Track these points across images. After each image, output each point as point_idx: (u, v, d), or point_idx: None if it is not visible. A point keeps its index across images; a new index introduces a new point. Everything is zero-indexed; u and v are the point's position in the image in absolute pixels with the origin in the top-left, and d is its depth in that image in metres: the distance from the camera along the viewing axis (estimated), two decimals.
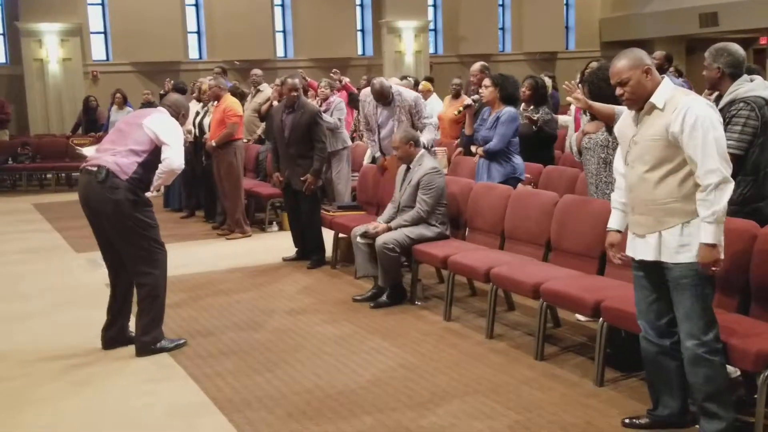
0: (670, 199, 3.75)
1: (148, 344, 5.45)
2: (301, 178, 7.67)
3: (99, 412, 4.58)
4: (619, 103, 5.28)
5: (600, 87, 5.34)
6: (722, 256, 3.73)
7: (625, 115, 4.06)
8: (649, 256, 3.87)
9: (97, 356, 5.51)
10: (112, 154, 5.30)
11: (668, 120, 3.71)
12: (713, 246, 3.64)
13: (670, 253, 3.78)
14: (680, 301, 3.80)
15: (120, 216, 5.22)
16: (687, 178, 3.71)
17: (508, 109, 6.83)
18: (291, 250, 8.43)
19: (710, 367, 3.76)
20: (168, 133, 5.37)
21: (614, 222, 4.18)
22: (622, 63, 3.86)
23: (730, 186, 3.65)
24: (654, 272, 3.91)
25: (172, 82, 13.00)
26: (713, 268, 3.68)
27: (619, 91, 3.88)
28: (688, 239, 3.72)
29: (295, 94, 7.76)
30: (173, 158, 5.33)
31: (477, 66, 8.64)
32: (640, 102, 3.84)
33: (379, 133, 8.09)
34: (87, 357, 5.51)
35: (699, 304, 3.75)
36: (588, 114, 5.66)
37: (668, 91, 3.80)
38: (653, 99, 3.79)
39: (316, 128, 7.78)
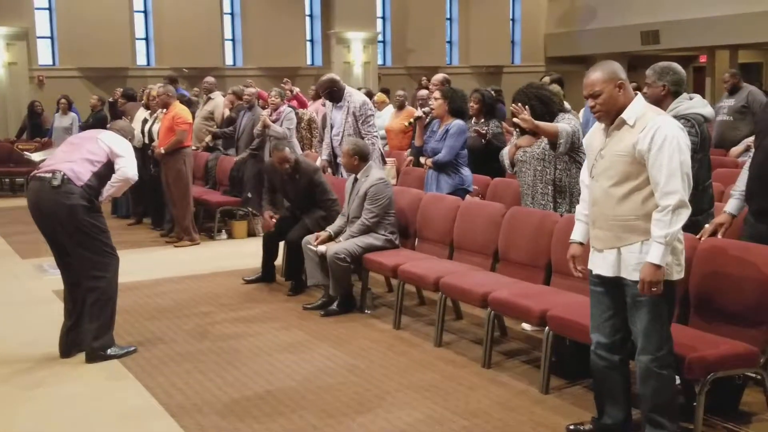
0: (632, 216, 3.77)
1: (98, 350, 5.44)
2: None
3: (49, 418, 4.57)
4: (550, 119, 5.49)
5: (532, 106, 5.53)
6: (676, 277, 3.80)
7: (595, 127, 4.06)
8: (607, 271, 3.90)
9: (46, 362, 5.47)
10: (66, 161, 5.34)
11: (637, 137, 3.73)
12: (658, 267, 3.67)
13: (628, 270, 3.80)
14: (638, 318, 3.83)
15: (73, 220, 5.25)
16: (650, 197, 3.72)
17: (457, 122, 6.96)
18: (239, 257, 8.46)
19: (660, 379, 3.83)
20: (122, 147, 5.52)
21: (577, 234, 4.18)
22: (596, 75, 3.84)
23: (687, 212, 3.68)
24: (612, 288, 3.94)
25: (121, 90, 12.88)
26: (653, 289, 3.70)
27: (590, 102, 3.88)
28: (647, 257, 3.72)
29: (288, 165, 7.21)
30: (127, 168, 5.46)
31: (439, 77, 8.79)
32: (611, 116, 3.84)
33: (331, 132, 8.31)
34: (36, 363, 5.48)
35: (656, 322, 3.79)
36: (518, 129, 5.82)
37: (640, 108, 3.82)
38: (624, 115, 3.80)
39: (318, 189, 7.26)
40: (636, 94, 3.91)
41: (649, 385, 3.85)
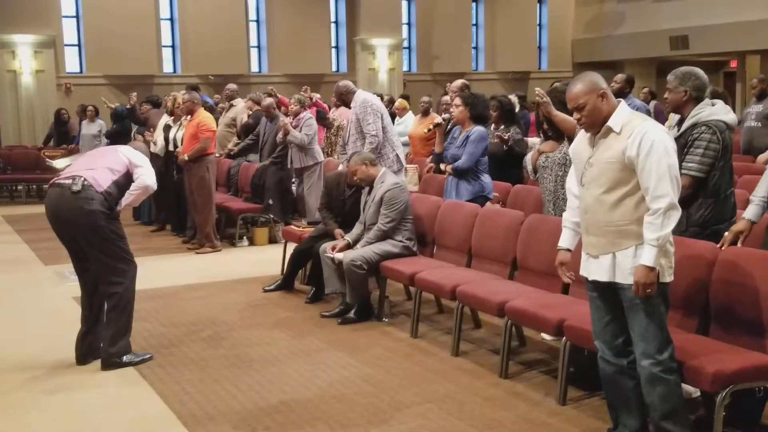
0: (624, 221, 3.79)
1: (114, 357, 5.44)
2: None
3: (63, 425, 4.56)
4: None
5: (557, 109, 5.44)
6: (668, 279, 3.80)
7: (580, 136, 4.10)
8: (602, 276, 3.91)
9: (62, 369, 5.48)
10: (87, 169, 5.40)
11: (625, 143, 3.76)
12: (651, 269, 3.70)
13: (623, 275, 3.82)
14: (635, 322, 3.84)
15: (93, 226, 5.27)
16: (642, 201, 3.76)
17: (478, 128, 6.89)
18: (260, 264, 8.46)
19: (666, 385, 3.80)
20: (141, 158, 5.60)
21: (565, 241, 4.25)
22: (578, 88, 3.90)
23: (678, 213, 3.72)
24: (608, 293, 3.96)
25: (135, 94, 12.92)
26: (648, 291, 3.72)
27: (576, 115, 3.94)
28: (640, 260, 3.75)
29: (356, 177, 6.86)
30: (147, 177, 5.51)
31: (458, 83, 8.76)
32: (597, 125, 3.89)
33: (346, 135, 8.44)
34: (51, 369, 5.48)
35: (654, 324, 3.80)
36: (542, 134, 5.74)
37: (625, 115, 3.85)
38: (610, 123, 3.85)
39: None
40: (619, 102, 3.93)
41: (656, 391, 3.83)
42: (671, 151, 3.75)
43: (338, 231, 7.06)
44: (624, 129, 3.80)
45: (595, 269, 3.95)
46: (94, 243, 5.32)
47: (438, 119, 7.62)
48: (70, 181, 5.30)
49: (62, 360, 5.62)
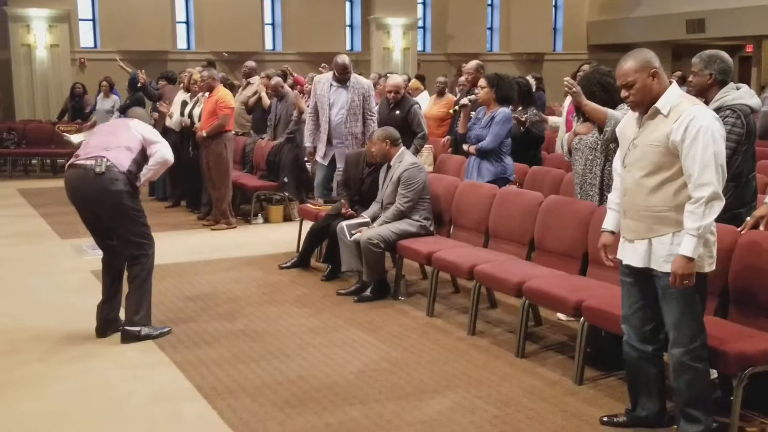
0: (663, 207, 3.72)
1: (134, 330, 5.50)
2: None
3: (82, 398, 4.61)
4: (612, 107, 5.36)
5: (593, 92, 5.35)
6: (708, 270, 3.75)
7: (629, 115, 4.01)
8: (637, 262, 3.86)
9: (81, 341, 5.53)
10: (106, 149, 5.43)
11: (671, 127, 3.67)
12: (690, 260, 3.62)
13: (659, 262, 3.77)
14: (669, 310, 3.80)
15: (119, 206, 5.37)
16: (683, 188, 3.67)
17: (503, 110, 6.82)
18: (275, 242, 8.51)
19: (694, 373, 3.79)
20: (154, 133, 5.71)
21: (609, 223, 4.14)
22: (629, 64, 3.78)
23: (720, 203, 3.62)
24: (642, 278, 3.91)
25: (143, 71, 12.88)
26: (685, 282, 3.65)
27: (624, 93, 3.82)
28: (678, 249, 3.68)
29: (374, 153, 6.91)
30: (164, 151, 5.59)
31: (473, 64, 8.78)
32: (645, 105, 3.78)
33: (329, 112, 8.28)
34: (70, 342, 5.54)
35: (688, 314, 3.75)
36: (580, 115, 5.70)
37: (675, 98, 3.75)
38: (658, 104, 3.74)
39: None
40: (671, 83, 3.83)
41: (683, 378, 3.81)
42: (719, 139, 3.64)
43: (345, 208, 7.15)
44: (672, 112, 3.70)
45: (630, 254, 3.90)
46: (118, 221, 5.43)
47: (464, 100, 7.56)
48: (93, 162, 5.35)
49: (80, 333, 5.68)
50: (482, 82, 7.01)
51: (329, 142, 8.35)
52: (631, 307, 4.02)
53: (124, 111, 12.64)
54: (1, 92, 16.72)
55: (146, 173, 5.57)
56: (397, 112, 8.25)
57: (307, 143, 8.63)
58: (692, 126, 3.61)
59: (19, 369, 5.06)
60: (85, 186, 5.37)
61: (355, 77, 8.44)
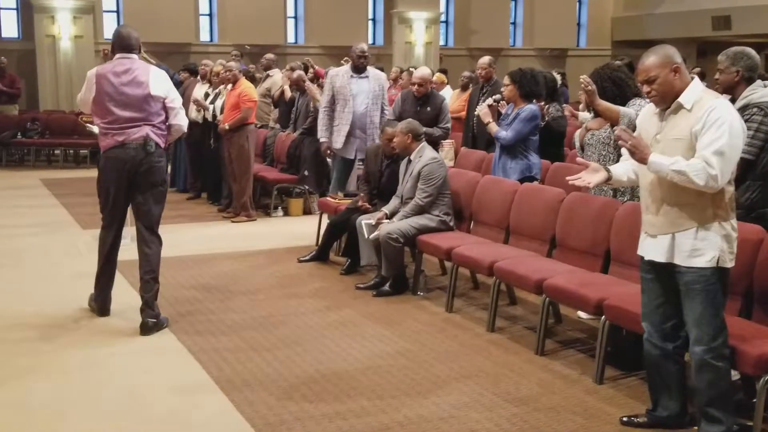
0: (687, 201, 3.68)
1: (154, 320, 5.57)
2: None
3: (102, 390, 4.61)
4: (623, 102, 5.33)
5: (604, 87, 5.35)
6: (729, 265, 3.71)
7: (648, 110, 3.97)
8: (660, 257, 3.82)
9: (100, 333, 5.56)
10: (146, 125, 5.59)
11: (693, 120, 3.64)
12: (649, 163, 3.63)
13: (683, 257, 3.73)
14: (691, 307, 3.76)
15: (161, 180, 5.71)
16: None
17: (530, 107, 6.70)
18: (295, 235, 8.51)
19: (716, 372, 3.75)
20: (173, 96, 5.77)
21: (617, 166, 4.10)
22: (650, 60, 3.76)
23: (711, 186, 3.56)
24: (663, 274, 3.87)
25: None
26: (630, 144, 3.65)
27: (646, 88, 3.79)
28: (702, 243, 3.67)
29: (395, 144, 6.96)
30: (182, 120, 5.82)
31: (485, 60, 8.75)
32: (667, 101, 3.75)
33: (354, 102, 8.17)
34: (90, 334, 5.56)
35: (710, 311, 3.71)
36: (591, 110, 5.67)
37: (697, 92, 3.72)
38: (681, 99, 3.71)
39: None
40: (693, 78, 3.80)
41: (704, 377, 3.78)
42: (736, 132, 3.60)
43: (362, 202, 7.14)
44: (695, 106, 3.66)
45: (652, 249, 3.86)
46: (155, 194, 5.67)
47: (489, 101, 7.45)
48: (142, 141, 5.53)
49: (101, 324, 5.71)
50: (506, 79, 6.93)
51: (351, 134, 8.18)
52: (652, 303, 3.98)
53: None
54: (23, 83, 16.78)
55: (170, 140, 5.90)
56: (428, 108, 7.79)
57: (323, 138, 8.34)
58: (713, 114, 3.59)
59: (39, 356, 5.07)
60: (139, 163, 5.53)
61: (371, 69, 8.40)
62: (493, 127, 6.83)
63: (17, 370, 4.88)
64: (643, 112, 4.06)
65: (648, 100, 3.91)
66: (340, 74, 8.33)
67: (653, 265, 3.89)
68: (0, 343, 5.35)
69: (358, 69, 8.19)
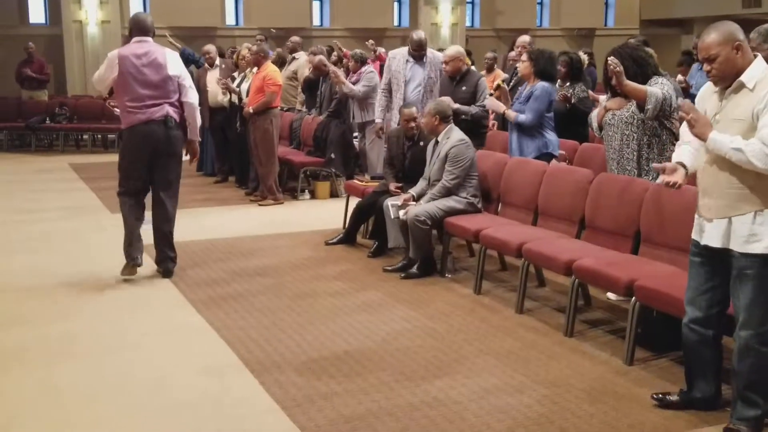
0: (746, 184, 3.58)
1: (174, 260, 6.53)
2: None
3: (133, 373, 4.65)
4: (642, 83, 5.25)
5: (625, 66, 5.29)
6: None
7: (707, 89, 3.84)
8: (716, 242, 3.72)
9: (130, 314, 5.61)
10: (165, 102, 6.22)
11: (756, 100, 3.53)
12: (709, 140, 3.55)
13: (739, 242, 3.63)
14: (742, 291, 3.68)
15: (178, 150, 6.36)
16: None
17: (542, 84, 6.75)
18: (321, 218, 8.53)
19: (759, 356, 3.69)
20: (186, 76, 6.43)
21: (683, 157, 3.89)
22: (711, 37, 3.62)
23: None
24: (716, 259, 3.77)
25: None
26: (690, 116, 3.59)
27: (706, 66, 3.67)
28: (760, 229, 3.57)
29: (413, 125, 7.10)
30: (193, 98, 6.39)
31: (526, 38, 8.76)
32: (728, 80, 3.63)
33: (405, 88, 8.15)
34: (120, 316, 5.61)
35: (761, 297, 3.63)
36: (609, 91, 5.62)
37: (761, 71, 3.59)
38: (743, 78, 3.59)
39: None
40: (756, 56, 3.66)
41: (747, 361, 3.71)
42: None
43: (393, 185, 7.08)
44: (758, 85, 3.55)
45: (708, 233, 3.75)
46: (173, 163, 6.36)
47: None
48: (164, 117, 6.19)
49: (129, 305, 5.77)
50: (524, 56, 6.97)
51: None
52: (699, 288, 3.88)
53: None
54: (51, 68, 16.88)
55: (195, 128, 6.49)
56: (464, 88, 7.65)
57: (378, 119, 8.53)
58: None
59: (67, 337, 5.13)
60: (162, 137, 6.18)
61: (431, 52, 8.29)
62: (511, 114, 6.83)
63: (46, 352, 4.93)
64: (702, 90, 3.92)
65: (709, 78, 3.74)
66: (397, 57, 8.30)
67: (706, 249, 3.79)
68: (30, 323, 5.42)
69: (414, 56, 8.14)
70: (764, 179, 3.54)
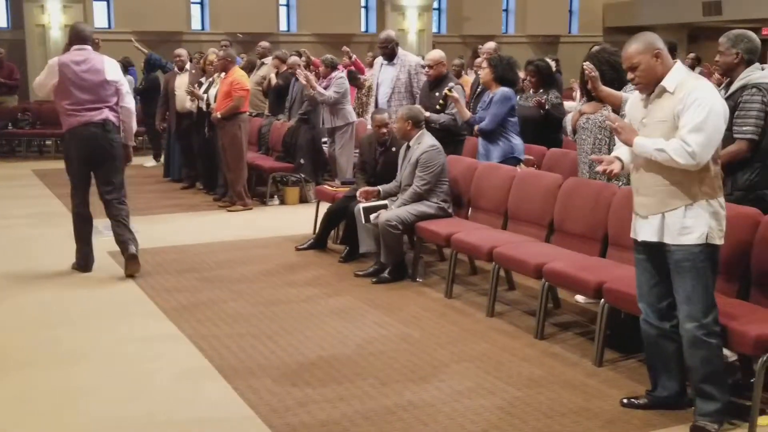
0: (675, 181, 3.77)
1: (137, 253, 6.59)
2: (364, 189, 6.98)
3: (105, 378, 4.64)
4: (618, 89, 5.37)
5: (602, 71, 5.38)
6: (718, 242, 3.79)
7: (635, 97, 4.07)
8: (651, 237, 3.91)
9: (100, 323, 5.58)
10: (105, 107, 6.46)
11: (675, 102, 3.75)
12: (635, 144, 3.78)
13: (672, 235, 3.82)
14: (681, 284, 3.85)
15: (118, 154, 6.58)
16: None
17: (502, 89, 6.85)
18: (291, 223, 8.54)
19: (708, 349, 3.82)
20: (124, 82, 6.68)
21: (622, 153, 4.09)
22: (633, 47, 3.87)
23: (690, 165, 3.65)
24: (656, 254, 3.95)
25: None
26: (616, 124, 3.86)
27: (630, 75, 3.91)
28: (691, 221, 3.76)
29: (385, 131, 7.13)
30: (129, 102, 6.64)
31: (491, 45, 8.85)
32: (651, 86, 3.86)
33: (377, 91, 8.23)
34: (91, 324, 5.58)
35: (700, 287, 3.80)
36: (585, 95, 5.71)
37: (680, 75, 3.82)
38: (664, 82, 3.81)
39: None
40: (675, 62, 3.89)
41: (698, 354, 3.85)
42: (716, 112, 3.69)
43: (361, 190, 7.03)
44: (678, 89, 3.77)
45: (643, 230, 3.95)
46: (115, 167, 6.59)
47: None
48: (103, 121, 6.43)
49: (99, 314, 5.74)
50: (484, 63, 7.08)
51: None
52: (647, 284, 4.06)
53: (140, 93, 12.67)
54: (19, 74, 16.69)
55: (131, 131, 6.73)
56: (437, 94, 7.58)
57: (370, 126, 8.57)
58: (693, 95, 3.70)
59: (41, 346, 5.09)
60: (100, 141, 6.42)
61: (403, 53, 8.38)
62: (466, 113, 6.93)
63: (18, 361, 4.89)
64: (631, 99, 4.17)
65: (633, 85, 3.99)
66: (377, 62, 8.41)
67: (645, 245, 3.98)
68: (1, 332, 5.37)
69: (386, 56, 8.18)
70: (690, 175, 3.74)
